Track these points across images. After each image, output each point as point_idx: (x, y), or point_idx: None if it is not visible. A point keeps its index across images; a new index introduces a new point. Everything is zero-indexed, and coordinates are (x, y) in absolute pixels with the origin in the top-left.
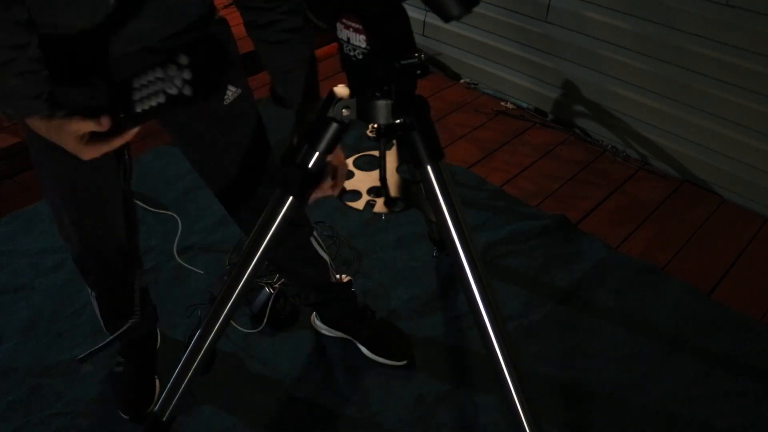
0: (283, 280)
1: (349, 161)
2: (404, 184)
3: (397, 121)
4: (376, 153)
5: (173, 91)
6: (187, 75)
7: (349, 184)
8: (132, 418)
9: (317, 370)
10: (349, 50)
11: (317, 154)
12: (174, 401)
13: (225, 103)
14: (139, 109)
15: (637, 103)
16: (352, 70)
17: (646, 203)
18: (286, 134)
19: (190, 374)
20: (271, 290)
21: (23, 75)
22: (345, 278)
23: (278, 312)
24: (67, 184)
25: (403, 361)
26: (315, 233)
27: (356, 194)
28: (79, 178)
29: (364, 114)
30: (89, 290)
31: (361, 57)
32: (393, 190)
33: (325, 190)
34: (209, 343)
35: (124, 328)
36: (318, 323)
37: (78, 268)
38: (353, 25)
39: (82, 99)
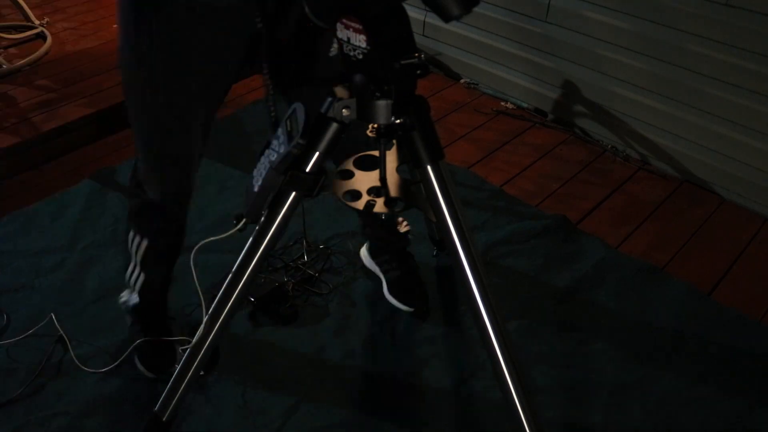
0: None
1: (349, 161)
2: (404, 184)
3: (397, 121)
4: (376, 153)
5: None
6: None
7: (349, 184)
8: (156, 376)
9: (317, 370)
10: (349, 50)
11: (317, 154)
12: (174, 401)
13: None
14: None
15: (637, 103)
16: (352, 70)
17: (646, 203)
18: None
19: (190, 374)
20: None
21: None
22: (405, 227)
23: (280, 307)
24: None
25: (412, 308)
26: None
27: (356, 194)
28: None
29: (364, 114)
30: (136, 240)
31: (361, 57)
32: (393, 190)
33: None
34: (209, 344)
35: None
36: (364, 252)
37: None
38: (353, 25)
39: None
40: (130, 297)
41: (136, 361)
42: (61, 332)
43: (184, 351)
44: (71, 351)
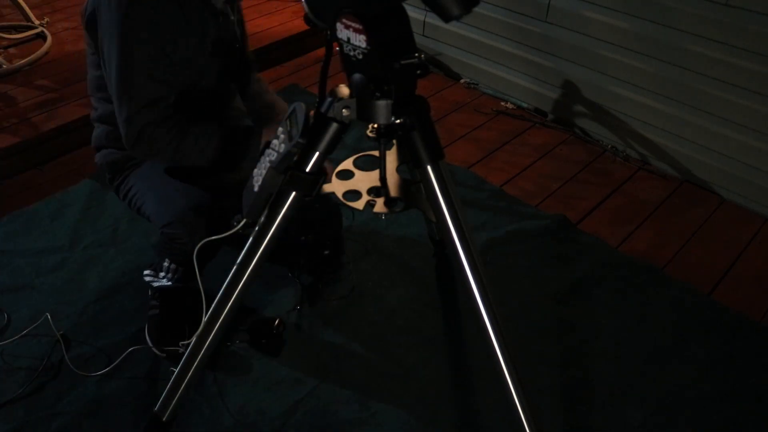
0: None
1: (349, 161)
2: (404, 184)
3: (397, 121)
4: (376, 153)
5: None
6: None
7: (349, 184)
8: (161, 351)
9: (317, 370)
10: (349, 50)
11: (317, 154)
12: (174, 401)
13: None
14: None
15: (637, 103)
16: (353, 70)
17: (646, 203)
18: None
19: (190, 374)
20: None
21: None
22: None
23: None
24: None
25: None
26: None
27: (356, 194)
28: None
29: (364, 114)
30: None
31: (361, 57)
32: (393, 190)
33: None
34: (209, 344)
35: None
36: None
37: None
38: (353, 25)
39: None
40: (158, 279)
41: (146, 334)
42: (56, 333)
43: (185, 347)
44: (65, 353)
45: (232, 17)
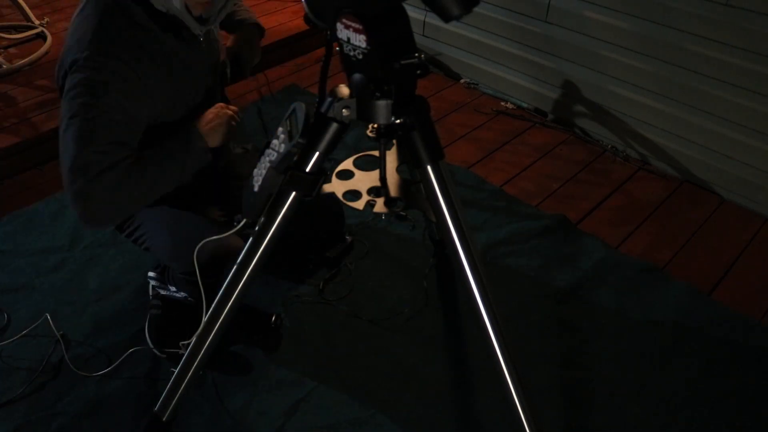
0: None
1: (349, 161)
2: (404, 184)
3: (397, 121)
4: (376, 153)
5: None
6: None
7: (349, 184)
8: (161, 352)
9: (317, 370)
10: (349, 50)
11: (317, 154)
12: (174, 401)
13: None
14: None
15: (637, 103)
16: (353, 70)
17: (646, 203)
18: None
19: (190, 374)
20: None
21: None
22: None
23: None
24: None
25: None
26: None
27: (356, 194)
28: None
29: (364, 114)
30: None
31: (361, 57)
32: (393, 190)
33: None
34: (209, 344)
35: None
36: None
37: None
38: (353, 25)
39: None
40: (167, 290)
41: (146, 334)
42: (56, 333)
43: (185, 347)
44: (65, 353)
45: (212, 36)
